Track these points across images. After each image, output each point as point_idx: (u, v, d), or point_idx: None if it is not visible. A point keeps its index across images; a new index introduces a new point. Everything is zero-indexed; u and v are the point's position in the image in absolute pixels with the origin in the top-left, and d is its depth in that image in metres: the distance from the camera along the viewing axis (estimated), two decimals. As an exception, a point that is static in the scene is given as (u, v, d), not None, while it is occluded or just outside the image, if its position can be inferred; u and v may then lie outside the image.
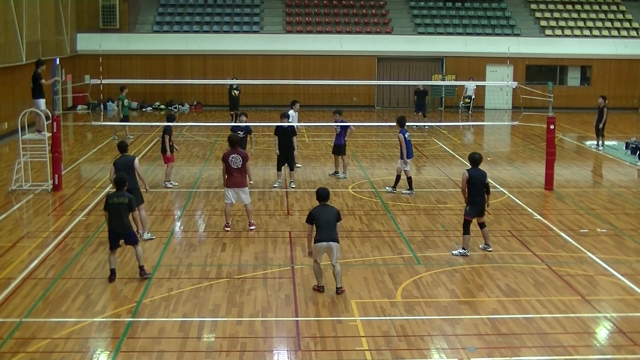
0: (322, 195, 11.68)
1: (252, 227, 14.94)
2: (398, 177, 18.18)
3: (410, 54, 37.13)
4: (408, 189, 18.17)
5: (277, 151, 18.73)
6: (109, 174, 14.40)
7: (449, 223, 15.57)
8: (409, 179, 18.19)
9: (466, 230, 13.33)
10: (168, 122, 18.56)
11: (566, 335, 9.94)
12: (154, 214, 16.33)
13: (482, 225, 13.58)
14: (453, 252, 13.35)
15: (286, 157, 18.77)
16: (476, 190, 13.23)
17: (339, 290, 11.40)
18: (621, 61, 37.61)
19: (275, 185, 18.91)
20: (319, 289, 11.53)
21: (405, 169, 18.01)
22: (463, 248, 13.31)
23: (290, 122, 19.70)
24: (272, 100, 34.86)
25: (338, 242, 11.44)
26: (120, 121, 26.19)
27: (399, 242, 14.18)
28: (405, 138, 17.75)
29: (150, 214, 16.21)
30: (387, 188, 18.50)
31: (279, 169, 18.99)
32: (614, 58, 37.59)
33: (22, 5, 26.85)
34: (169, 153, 18.49)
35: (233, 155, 14.61)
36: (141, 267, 12.04)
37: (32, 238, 14.20)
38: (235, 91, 29.52)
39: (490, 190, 13.62)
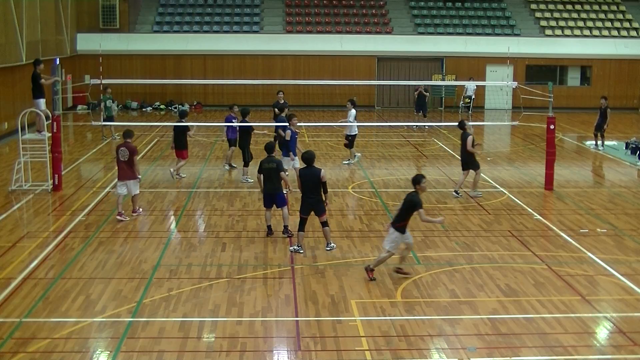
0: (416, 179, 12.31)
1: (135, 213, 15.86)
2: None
3: (410, 54, 37.14)
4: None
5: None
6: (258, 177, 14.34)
7: (449, 223, 15.57)
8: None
9: (301, 227, 13.37)
10: (181, 118, 19.84)
11: (566, 335, 9.94)
12: (154, 213, 16.35)
13: (323, 224, 13.48)
14: (290, 248, 13.50)
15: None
16: (308, 188, 13.19)
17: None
18: (621, 61, 37.62)
19: (243, 181, 19.36)
20: (371, 277, 12.04)
21: (295, 166, 17.87)
22: (298, 245, 13.43)
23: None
24: (272, 101, 34.74)
25: None
26: (104, 121, 26.18)
27: (399, 242, 14.16)
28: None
29: (150, 214, 16.24)
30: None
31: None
32: (614, 58, 37.60)
33: (22, 5, 26.84)
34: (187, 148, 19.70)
35: (122, 149, 15.39)
36: (285, 227, 14.02)
37: (32, 238, 14.20)
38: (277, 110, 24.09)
39: (327, 189, 13.49)
